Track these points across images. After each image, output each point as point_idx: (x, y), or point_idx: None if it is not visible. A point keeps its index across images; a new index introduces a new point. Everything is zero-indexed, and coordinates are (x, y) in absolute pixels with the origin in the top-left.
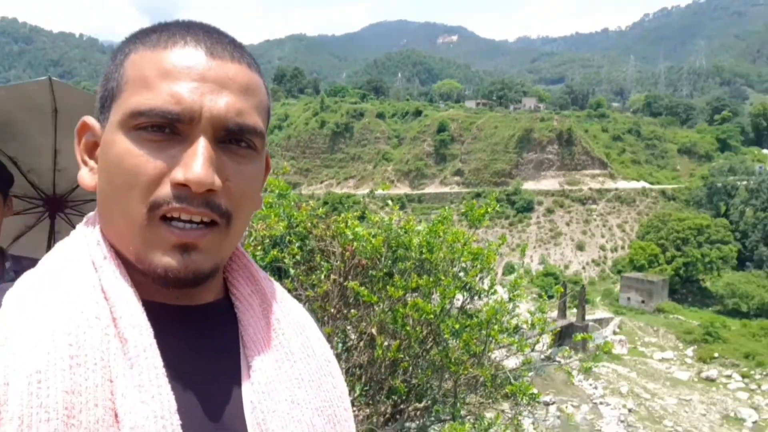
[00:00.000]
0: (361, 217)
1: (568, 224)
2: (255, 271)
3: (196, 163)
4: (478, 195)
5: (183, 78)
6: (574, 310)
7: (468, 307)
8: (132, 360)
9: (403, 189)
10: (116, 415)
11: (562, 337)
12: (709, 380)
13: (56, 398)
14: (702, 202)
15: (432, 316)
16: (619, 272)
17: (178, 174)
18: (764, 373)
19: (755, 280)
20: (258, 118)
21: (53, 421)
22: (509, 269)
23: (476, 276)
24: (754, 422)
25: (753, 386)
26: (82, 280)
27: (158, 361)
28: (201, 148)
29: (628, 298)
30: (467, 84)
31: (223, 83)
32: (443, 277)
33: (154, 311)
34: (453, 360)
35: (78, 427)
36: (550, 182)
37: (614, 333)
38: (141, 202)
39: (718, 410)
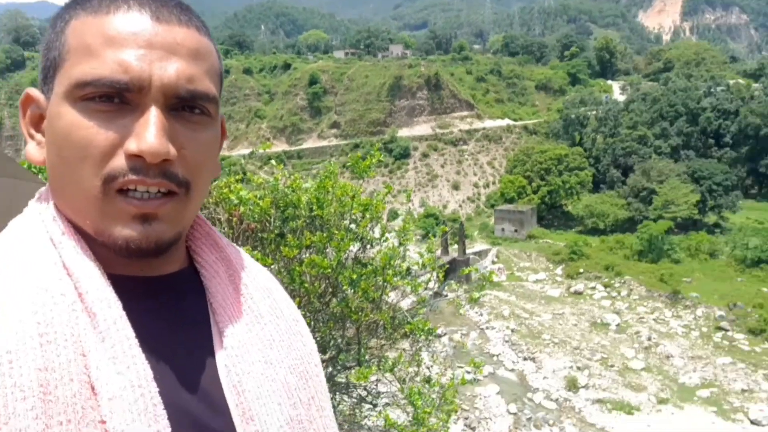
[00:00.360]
0: (243, 180)
1: (442, 166)
2: (218, 238)
3: (149, 133)
4: (356, 146)
5: (129, 45)
6: (455, 246)
7: (362, 256)
8: (103, 333)
9: (280, 146)
10: (93, 388)
11: (447, 272)
12: (577, 294)
13: (30, 377)
14: (559, 133)
15: (329, 270)
16: (492, 206)
17: (132, 145)
18: (622, 281)
19: (609, 200)
20: (210, 83)
21: (29, 399)
22: (393, 215)
23: (367, 226)
24: (617, 325)
25: (614, 294)
26: (42, 258)
27: (130, 332)
28: (153, 117)
29: (503, 229)
30: (333, 34)
31: (172, 49)
32: (336, 232)
33: (120, 284)
34: (353, 309)
35: (55, 403)
36: (422, 127)
37: (493, 262)
38: (94, 174)
39: (587, 319)
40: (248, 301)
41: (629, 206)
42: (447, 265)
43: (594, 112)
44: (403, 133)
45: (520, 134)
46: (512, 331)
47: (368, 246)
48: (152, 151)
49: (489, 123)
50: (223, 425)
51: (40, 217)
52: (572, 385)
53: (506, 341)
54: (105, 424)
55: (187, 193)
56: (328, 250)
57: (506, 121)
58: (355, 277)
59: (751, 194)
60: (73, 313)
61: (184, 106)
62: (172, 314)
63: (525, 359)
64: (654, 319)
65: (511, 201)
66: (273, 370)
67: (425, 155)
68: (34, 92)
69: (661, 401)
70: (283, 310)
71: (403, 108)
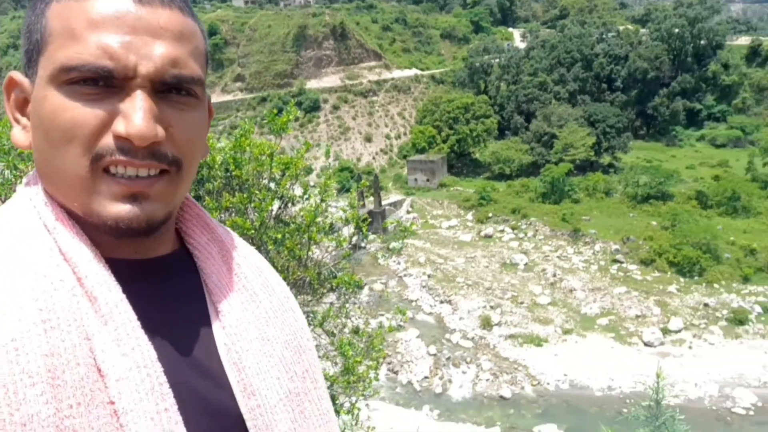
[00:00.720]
0: None
1: (354, 118)
2: (209, 219)
3: (137, 116)
4: (263, 99)
5: (113, 29)
6: (371, 198)
7: (283, 215)
8: (105, 317)
9: None
10: (99, 371)
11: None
12: (487, 237)
13: (37, 363)
14: (465, 82)
15: (252, 231)
16: (405, 157)
17: (120, 127)
18: (528, 223)
19: (513, 146)
20: (195, 65)
21: (39, 384)
22: (307, 171)
23: (287, 184)
24: (525, 264)
25: (521, 235)
26: (37, 244)
27: (132, 315)
28: (140, 101)
29: (416, 179)
30: None
31: (156, 33)
32: (256, 192)
33: (115, 267)
34: (279, 268)
35: (64, 387)
36: (331, 79)
37: (407, 212)
38: (83, 154)
39: (497, 260)
40: (242, 281)
41: (532, 151)
42: (369, 219)
43: (497, 60)
44: (312, 85)
45: (428, 84)
46: (428, 276)
47: (289, 204)
48: (140, 134)
49: (397, 73)
50: (226, 400)
51: (31, 202)
52: (486, 324)
53: (423, 287)
54: (113, 405)
55: (179, 171)
56: (248, 211)
57: (414, 71)
58: (279, 236)
59: (640, 135)
60: (74, 298)
61: (170, 88)
62: (168, 295)
63: (442, 302)
64: (558, 257)
65: (422, 151)
66: (270, 346)
67: (336, 107)
68: (18, 76)
69: (566, 332)
70: (274, 288)
71: (309, 59)
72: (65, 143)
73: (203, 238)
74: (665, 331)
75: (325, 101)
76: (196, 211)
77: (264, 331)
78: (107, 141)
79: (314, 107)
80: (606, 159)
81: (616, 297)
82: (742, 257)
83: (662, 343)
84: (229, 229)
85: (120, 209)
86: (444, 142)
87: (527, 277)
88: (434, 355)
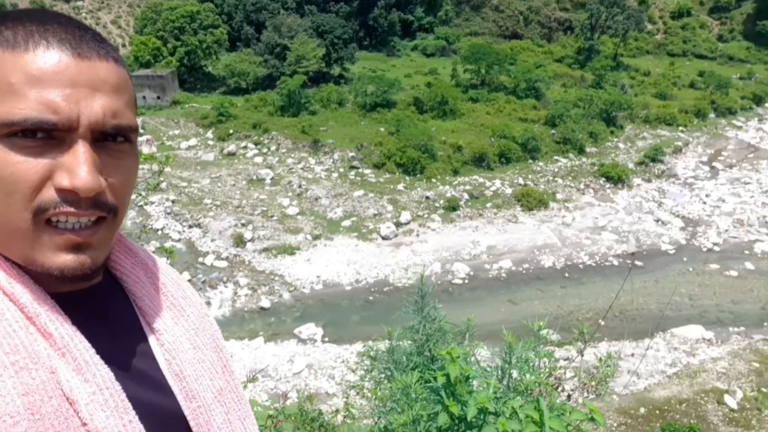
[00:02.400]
0: None
1: None
2: (130, 244)
3: (81, 169)
4: None
5: (55, 85)
6: None
7: None
8: (62, 349)
9: None
10: (68, 399)
11: None
12: (231, 155)
13: (16, 403)
14: None
15: None
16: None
17: (64, 180)
18: (270, 137)
19: (247, 58)
20: (131, 114)
21: (21, 422)
22: None
23: None
24: (272, 179)
25: (264, 150)
26: None
27: (86, 344)
28: (83, 154)
29: (144, 97)
30: None
31: (96, 86)
32: None
33: (58, 301)
34: None
35: (43, 420)
36: None
37: (140, 134)
38: (24, 208)
39: (244, 177)
40: (169, 298)
41: (266, 63)
42: None
43: None
44: None
45: None
46: (173, 202)
47: None
48: (86, 187)
49: None
50: (172, 405)
51: None
52: (239, 241)
53: (168, 213)
54: (86, 426)
55: (115, 217)
56: None
57: None
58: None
59: (364, 46)
60: (31, 336)
61: (107, 136)
62: (109, 320)
63: (191, 227)
64: (302, 168)
65: (147, 65)
66: (201, 353)
67: None
68: None
69: (316, 237)
70: (191, 297)
71: None
72: (6, 196)
73: (128, 263)
74: (398, 224)
75: (14, 6)
76: (119, 237)
77: (194, 341)
78: (49, 194)
79: None
80: (336, 70)
81: (356, 200)
82: (452, 154)
83: (396, 235)
84: (145, 248)
85: (65, 259)
86: (171, 54)
87: (275, 190)
88: (189, 280)
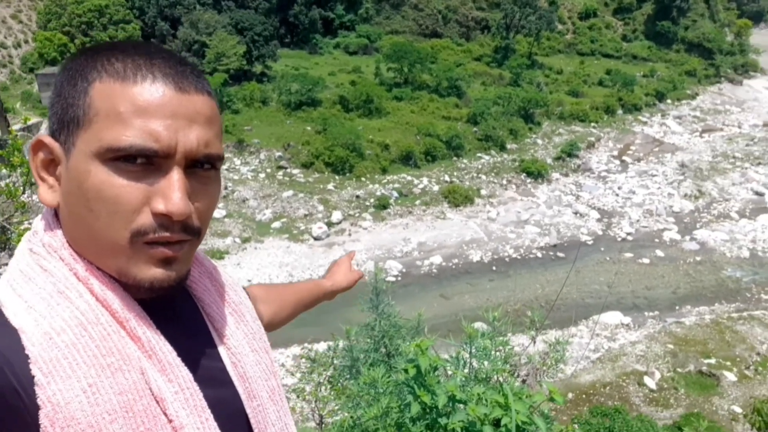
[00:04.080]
0: None
1: None
2: (197, 254)
3: (176, 195)
4: None
5: (158, 115)
6: None
7: None
8: (149, 351)
9: None
10: (155, 397)
11: None
12: None
13: (112, 401)
14: None
15: None
16: (32, 70)
17: (160, 205)
18: None
19: None
20: (220, 144)
21: (118, 419)
22: None
23: None
24: None
25: None
26: (76, 296)
27: (169, 347)
28: (177, 181)
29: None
30: None
31: (193, 118)
32: None
33: (142, 307)
34: None
35: (135, 417)
36: None
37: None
38: (124, 228)
39: None
40: (231, 305)
41: None
42: None
43: None
44: None
45: None
46: None
47: None
48: (179, 212)
49: None
50: (237, 404)
51: (56, 254)
52: None
53: None
54: (172, 423)
55: (198, 238)
56: None
57: None
58: None
59: (286, 43)
60: (123, 339)
61: (197, 163)
62: (181, 324)
63: None
64: (226, 169)
65: (54, 63)
66: (258, 356)
67: None
68: (48, 140)
69: (245, 240)
70: (245, 303)
71: None
72: (109, 215)
73: (196, 272)
74: (329, 224)
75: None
76: None
77: (252, 344)
78: (146, 218)
79: None
80: (258, 68)
81: (285, 200)
82: (379, 152)
83: (328, 235)
84: (208, 257)
85: (155, 272)
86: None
87: None
88: None
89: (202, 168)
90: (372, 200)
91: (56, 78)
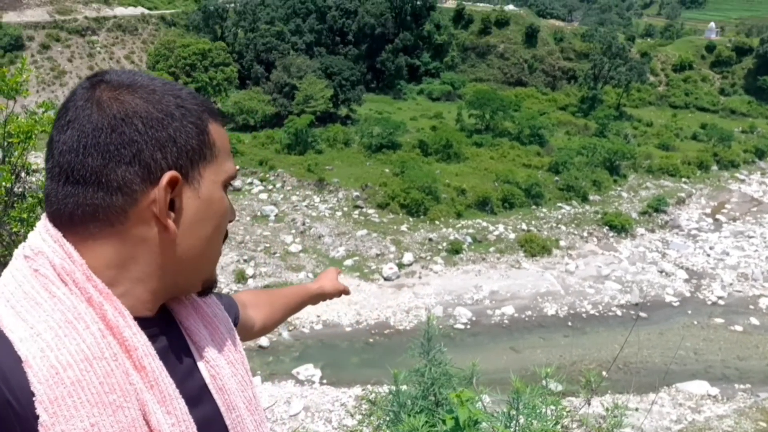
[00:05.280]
0: None
1: (70, 60)
2: None
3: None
4: None
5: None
6: None
7: (19, 188)
8: (152, 382)
9: None
10: (149, 427)
11: None
12: (236, 190)
13: None
14: (200, 26)
15: None
16: None
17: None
18: (276, 174)
19: (256, 96)
20: None
21: None
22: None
23: (24, 153)
24: (276, 215)
25: (270, 187)
26: (84, 325)
27: (169, 378)
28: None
29: None
30: None
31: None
32: None
33: (141, 326)
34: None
35: None
36: (36, 12)
37: None
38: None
39: (248, 213)
40: (206, 317)
41: (275, 102)
42: None
43: (232, 5)
44: (11, 18)
45: (157, 25)
46: None
47: (26, 174)
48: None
49: (120, 11)
50: (217, 417)
51: (69, 278)
52: (241, 277)
53: None
54: None
55: None
56: None
57: (141, 10)
58: (25, 216)
59: (371, 88)
60: (125, 372)
61: None
62: (163, 339)
63: None
64: (306, 206)
65: None
66: (234, 368)
67: (45, 47)
68: (177, 175)
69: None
70: (219, 315)
71: None
72: (220, 233)
73: None
74: (400, 266)
75: (31, 39)
76: None
77: (227, 356)
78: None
79: (16, 46)
80: (343, 111)
81: (359, 239)
82: (455, 197)
83: (398, 277)
84: None
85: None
86: None
87: (278, 227)
88: None
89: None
90: (445, 244)
91: (136, 124)
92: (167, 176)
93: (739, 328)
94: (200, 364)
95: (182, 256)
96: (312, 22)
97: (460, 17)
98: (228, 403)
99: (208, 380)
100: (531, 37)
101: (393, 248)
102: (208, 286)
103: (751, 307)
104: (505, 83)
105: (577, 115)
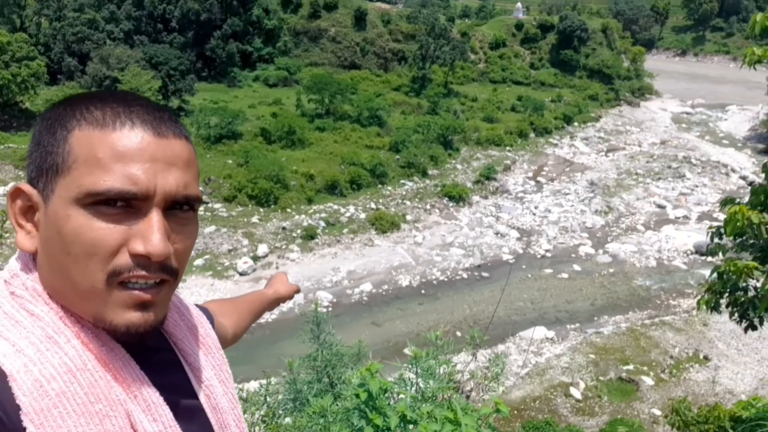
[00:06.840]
0: None
1: None
2: None
3: (155, 237)
4: None
5: (136, 160)
6: None
7: None
8: (135, 392)
9: None
10: None
11: None
12: None
13: None
14: None
15: None
16: None
17: (138, 247)
18: None
19: (71, 92)
20: (197, 186)
21: None
22: None
23: None
24: None
25: None
26: (64, 341)
27: (152, 388)
28: (156, 222)
29: None
30: None
31: (171, 161)
32: None
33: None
34: None
35: None
36: None
37: None
38: (101, 270)
39: None
40: (199, 338)
41: None
42: None
43: None
44: None
45: None
46: None
47: None
48: (158, 253)
49: None
50: None
51: (41, 299)
52: None
53: None
54: None
55: (176, 279)
56: None
57: None
58: None
59: (203, 77)
60: (108, 383)
61: (175, 205)
62: (156, 361)
63: None
64: None
65: None
66: (225, 386)
67: None
68: (27, 187)
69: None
70: (211, 335)
71: None
72: (86, 258)
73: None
74: (255, 258)
75: None
76: None
77: (219, 375)
78: (124, 258)
79: None
80: (175, 102)
81: (207, 236)
82: (304, 183)
83: (254, 270)
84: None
85: (132, 316)
86: None
87: None
88: None
89: (181, 209)
90: (299, 231)
91: (35, 127)
92: (10, 188)
93: (565, 275)
94: (195, 384)
95: (52, 276)
96: (128, 8)
97: (288, 1)
98: (221, 421)
99: (202, 399)
100: (360, 20)
101: (246, 241)
102: (111, 330)
103: (573, 255)
104: (340, 66)
105: (410, 95)
